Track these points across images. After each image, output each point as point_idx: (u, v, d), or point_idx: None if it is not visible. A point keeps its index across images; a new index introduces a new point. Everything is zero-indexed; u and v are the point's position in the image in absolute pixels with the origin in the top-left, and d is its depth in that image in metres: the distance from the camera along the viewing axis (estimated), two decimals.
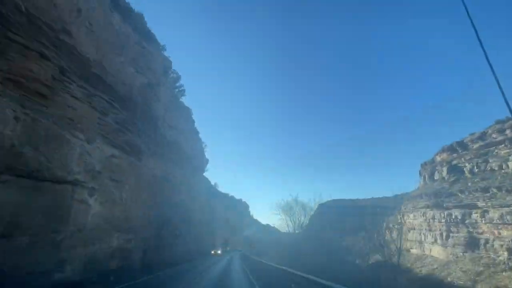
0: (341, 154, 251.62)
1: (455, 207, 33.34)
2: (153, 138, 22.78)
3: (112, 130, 15.37)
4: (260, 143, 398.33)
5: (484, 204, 29.83)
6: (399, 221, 46.72)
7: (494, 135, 35.72)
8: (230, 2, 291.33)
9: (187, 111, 36.05)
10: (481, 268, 26.51)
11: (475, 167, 35.24)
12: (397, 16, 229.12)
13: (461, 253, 30.66)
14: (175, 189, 29.47)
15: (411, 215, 42.49)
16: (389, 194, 62.63)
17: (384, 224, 52.62)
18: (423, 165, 49.02)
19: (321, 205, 74.74)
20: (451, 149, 42.48)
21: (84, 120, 13.06)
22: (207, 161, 49.40)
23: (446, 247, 33.20)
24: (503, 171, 31.34)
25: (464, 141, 40.64)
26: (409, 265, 36.62)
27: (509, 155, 31.45)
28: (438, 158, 44.66)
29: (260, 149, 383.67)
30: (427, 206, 38.13)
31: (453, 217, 33.12)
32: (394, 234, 48.27)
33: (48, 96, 11.02)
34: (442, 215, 34.65)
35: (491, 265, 26.13)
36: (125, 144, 16.59)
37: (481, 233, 29.36)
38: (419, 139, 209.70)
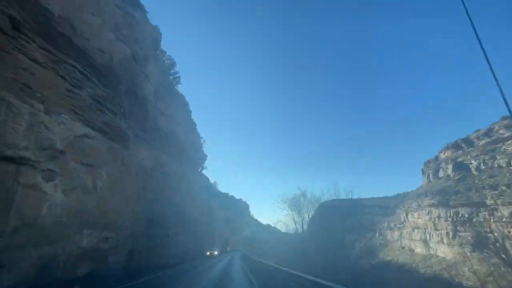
0: (341, 154, 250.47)
1: (462, 205, 32.28)
2: (142, 124, 20.45)
3: (87, 106, 12.97)
4: (260, 143, 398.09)
5: (492, 201, 28.79)
6: (402, 220, 45.71)
7: (501, 131, 34.74)
8: (230, 2, 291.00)
9: (183, 101, 33.67)
10: (491, 269, 25.41)
11: (482, 164, 34.22)
12: (397, 16, 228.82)
13: (468, 253, 29.56)
14: (172, 184, 27.37)
15: (415, 214, 41.38)
16: (389, 193, 61.62)
17: (386, 224, 51.68)
18: (426, 163, 47.98)
19: (321, 205, 73.77)
20: (456, 146, 41.48)
21: (47, 89, 10.70)
22: (205, 157, 46.74)
23: (452, 246, 32.10)
24: (511, 168, 30.35)
25: (470, 137, 39.65)
26: (414, 265, 35.50)
27: None
28: (443, 156, 43.63)
29: (260, 149, 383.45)
30: (432, 205, 37.05)
31: (460, 215, 32.06)
32: (396, 234, 47.31)
33: None
34: (448, 214, 33.57)
35: (501, 265, 25.02)
36: (105, 125, 14.28)
37: (490, 232, 28.24)
38: (419, 139, 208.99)
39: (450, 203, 33.80)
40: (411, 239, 41.35)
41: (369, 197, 70.50)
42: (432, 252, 35.60)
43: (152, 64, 21.51)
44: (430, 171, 44.52)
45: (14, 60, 9.74)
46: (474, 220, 30.33)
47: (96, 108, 13.71)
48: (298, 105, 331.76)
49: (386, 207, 54.68)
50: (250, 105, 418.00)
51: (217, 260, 35.52)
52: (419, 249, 38.53)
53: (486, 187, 30.78)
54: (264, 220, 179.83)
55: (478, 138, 38.13)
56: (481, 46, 5.68)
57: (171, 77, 29.41)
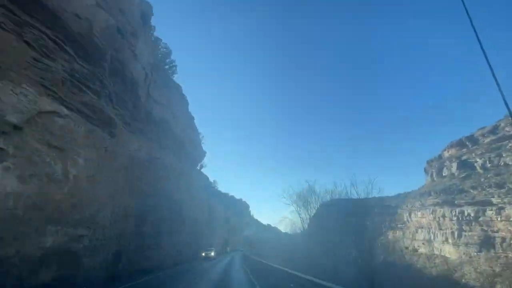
0: (341, 154, 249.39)
1: (467, 204, 31.46)
2: (134, 112, 18.70)
3: (60, 81, 11.06)
4: (260, 143, 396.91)
5: (499, 200, 28.00)
6: (405, 220, 44.83)
7: (507, 129, 33.95)
8: (230, 2, 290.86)
9: (180, 91, 32.09)
10: (499, 269, 24.60)
11: (488, 162, 33.45)
12: (397, 16, 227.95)
13: (475, 253, 28.75)
14: (169, 180, 25.90)
15: (419, 213, 40.53)
16: (390, 193, 60.58)
17: (387, 223, 50.81)
18: (429, 161, 47.17)
19: (322, 205, 72.99)
20: (460, 144, 40.67)
21: (6, 55, 8.90)
22: (204, 153, 45.18)
23: (458, 246, 31.28)
24: None
25: (474, 135, 38.87)
26: (418, 265, 34.69)
27: None
28: (446, 154, 42.81)
29: (260, 149, 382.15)
30: (437, 204, 36.21)
31: (465, 214, 31.23)
32: (398, 234, 46.42)
33: None
34: (453, 213, 32.74)
35: (510, 265, 24.21)
36: (83, 105, 12.35)
37: (497, 231, 27.48)
38: (419, 139, 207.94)
39: (455, 202, 32.99)
40: (415, 239, 40.52)
41: (370, 197, 69.67)
42: (437, 252, 34.77)
43: (141, 42, 19.19)
44: (433, 170, 43.71)
45: None
46: (480, 219, 29.53)
47: (73, 85, 11.79)
48: (298, 105, 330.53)
49: (387, 207, 53.79)
50: (250, 105, 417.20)
51: (216, 261, 34.65)
52: (423, 249, 37.69)
53: (492, 185, 29.99)
54: (264, 220, 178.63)
55: (483, 135, 37.34)
56: (481, 46, 5.63)
57: (167, 66, 28.39)
